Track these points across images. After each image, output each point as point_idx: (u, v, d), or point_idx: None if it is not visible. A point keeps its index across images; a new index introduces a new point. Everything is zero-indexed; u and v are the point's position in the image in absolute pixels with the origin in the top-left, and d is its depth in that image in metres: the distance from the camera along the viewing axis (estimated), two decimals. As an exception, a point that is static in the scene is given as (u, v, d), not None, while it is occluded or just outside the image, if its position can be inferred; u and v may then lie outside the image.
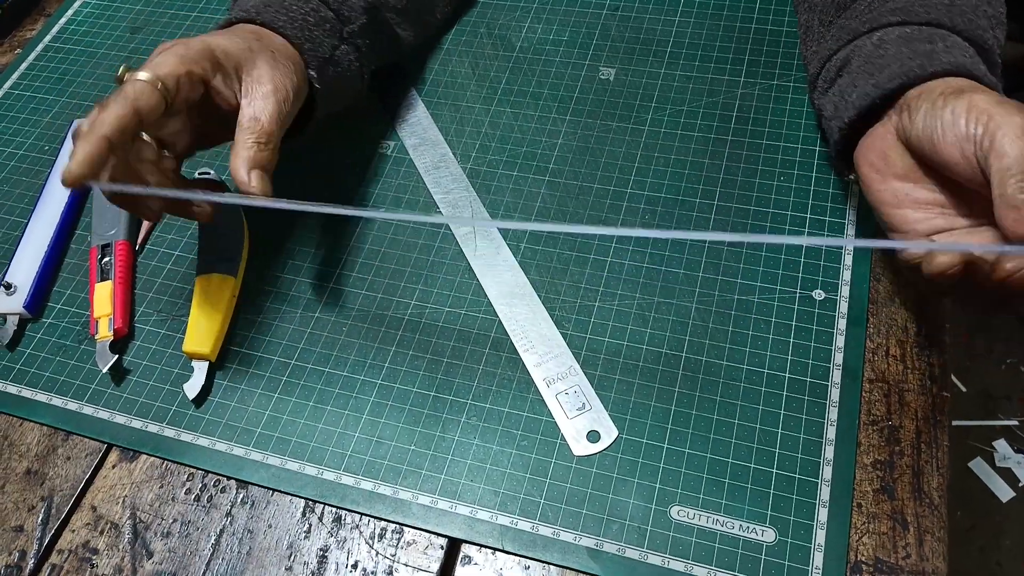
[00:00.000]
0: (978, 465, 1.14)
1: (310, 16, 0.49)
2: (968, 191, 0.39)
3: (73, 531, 0.45)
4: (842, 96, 0.44)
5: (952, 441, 0.43)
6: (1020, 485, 1.12)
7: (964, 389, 1.19)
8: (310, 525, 0.44)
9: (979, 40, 0.43)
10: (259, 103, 0.44)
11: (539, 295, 0.49)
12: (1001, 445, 1.15)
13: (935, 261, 0.37)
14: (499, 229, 0.52)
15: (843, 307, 0.46)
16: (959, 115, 0.37)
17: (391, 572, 0.42)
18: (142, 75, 0.40)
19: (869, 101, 0.42)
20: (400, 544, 0.42)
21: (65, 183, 0.38)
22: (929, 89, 0.40)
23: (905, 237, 0.41)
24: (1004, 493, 1.12)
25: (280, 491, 0.45)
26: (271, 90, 0.44)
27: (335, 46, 0.50)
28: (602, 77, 0.58)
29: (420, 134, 0.57)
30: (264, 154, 0.43)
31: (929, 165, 0.40)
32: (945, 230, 0.40)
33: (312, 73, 0.48)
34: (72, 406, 0.49)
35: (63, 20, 0.70)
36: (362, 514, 0.43)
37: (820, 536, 0.40)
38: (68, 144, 0.60)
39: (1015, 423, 1.16)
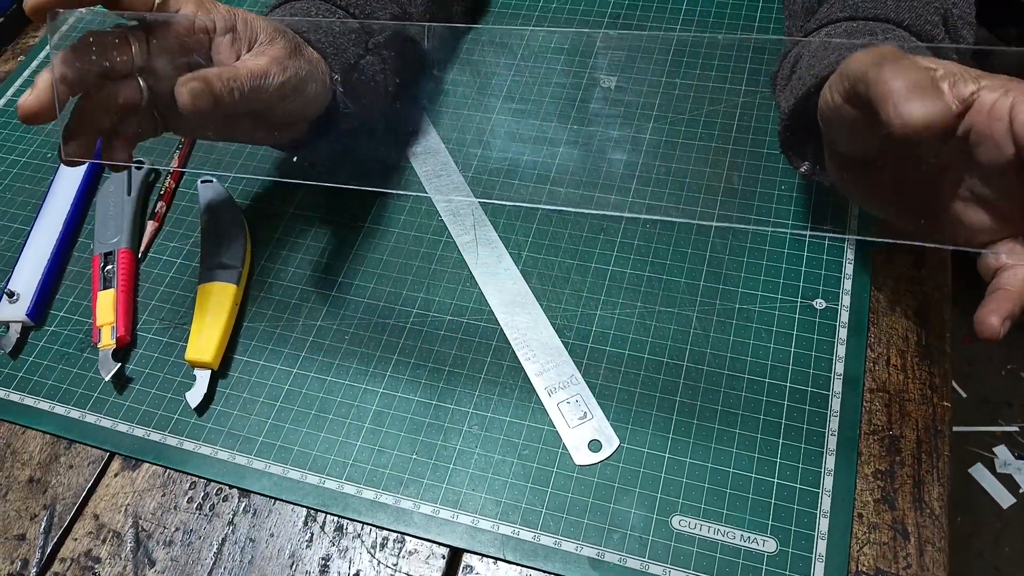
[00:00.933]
0: (978, 471, 1.14)
1: (335, 25, 0.49)
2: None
3: (75, 539, 0.45)
4: (792, 91, 0.45)
5: (952, 448, 0.43)
6: (1020, 491, 1.12)
7: (964, 395, 1.20)
8: (312, 534, 0.44)
9: (928, 36, 0.43)
10: (251, 62, 0.43)
11: (541, 304, 0.49)
12: (1001, 451, 1.15)
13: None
14: (501, 238, 0.52)
15: (844, 316, 0.46)
16: (825, 99, 0.37)
17: (393, 581, 0.42)
18: None
19: (805, 90, 0.42)
20: (402, 553, 0.42)
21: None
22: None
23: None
24: (1005, 499, 1.12)
25: (282, 500, 0.45)
26: (268, 61, 0.43)
27: (360, 55, 0.50)
28: (603, 85, 0.59)
29: (421, 142, 0.57)
30: (218, 84, 0.40)
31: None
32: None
33: (336, 76, 0.48)
34: (75, 414, 0.49)
35: (65, 27, 0.70)
36: (364, 523, 0.43)
37: (821, 546, 0.40)
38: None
39: (1015, 429, 1.16)
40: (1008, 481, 1.13)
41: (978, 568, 1.07)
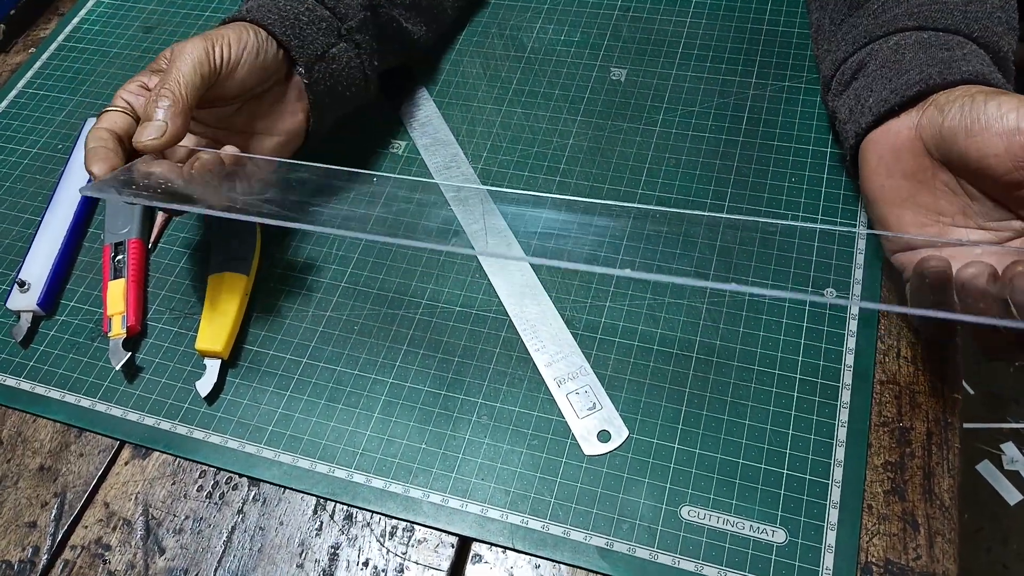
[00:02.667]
0: (986, 468, 1.13)
1: (303, 15, 0.49)
2: (970, 203, 0.39)
3: (86, 527, 0.45)
4: (858, 100, 0.44)
5: (962, 441, 0.43)
6: (1028, 488, 1.12)
7: (972, 392, 1.19)
8: (321, 523, 0.44)
9: (995, 47, 0.43)
10: (172, 72, 0.43)
11: (550, 294, 0.49)
12: (1009, 448, 1.15)
13: (926, 262, 0.37)
14: (510, 227, 0.52)
15: (854, 308, 0.46)
16: (1008, 109, 0.37)
17: (402, 570, 0.42)
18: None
19: (888, 107, 0.42)
20: (411, 542, 0.43)
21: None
22: (959, 91, 0.40)
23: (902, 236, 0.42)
24: (1012, 496, 1.11)
25: (292, 488, 0.45)
26: (189, 60, 0.43)
27: (330, 44, 0.50)
28: (613, 77, 0.58)
29: (431, 134, 0.57)
30: (174, 92, 0.42)
31: (949, 160, 0.39)
32: (937, 241, 0.40)
33: (300, 69, 0.48)
34: (85, 403, 0.49)
35: (76, 19, 0.71)
36: (373, 512, 0.44)
37: (831, 537, 0.40)
38: (82, 143, 0.60)
39: (1023, 426, 1.16)
40: (1016, 478, 1.12)
41: (985, 564, 1.07)
